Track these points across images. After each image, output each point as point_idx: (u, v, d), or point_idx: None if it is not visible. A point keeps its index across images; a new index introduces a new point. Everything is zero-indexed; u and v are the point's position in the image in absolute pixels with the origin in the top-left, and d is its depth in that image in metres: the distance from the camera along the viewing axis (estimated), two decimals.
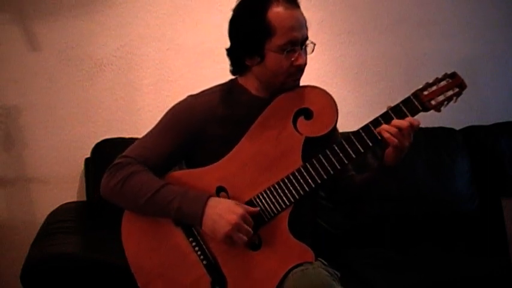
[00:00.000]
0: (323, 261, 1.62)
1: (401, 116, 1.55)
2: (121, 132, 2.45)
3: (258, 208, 1.55)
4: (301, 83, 1.65)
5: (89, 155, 2.36)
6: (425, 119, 2.93)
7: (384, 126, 1.53)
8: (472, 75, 2.88)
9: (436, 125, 2.66)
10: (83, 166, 2.42)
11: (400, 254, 2.32)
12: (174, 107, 1.68)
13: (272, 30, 1.54)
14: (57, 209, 2.30)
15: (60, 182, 2.44)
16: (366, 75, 2.76)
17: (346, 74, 2.75)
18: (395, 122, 1.53)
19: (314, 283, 1.46)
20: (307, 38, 1.60)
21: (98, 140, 2.35)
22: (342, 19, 2.73)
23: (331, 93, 1.62)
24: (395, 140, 1.51)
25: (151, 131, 1.68)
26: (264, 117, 1.61)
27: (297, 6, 1.59)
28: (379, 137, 1.54)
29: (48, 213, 2.26)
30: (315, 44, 1.61)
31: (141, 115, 2.50)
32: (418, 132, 2.59)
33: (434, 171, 2.52)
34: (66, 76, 2.44)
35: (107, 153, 2.16)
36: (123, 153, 1.64)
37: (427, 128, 2.63)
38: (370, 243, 2.39)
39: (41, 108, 2.43)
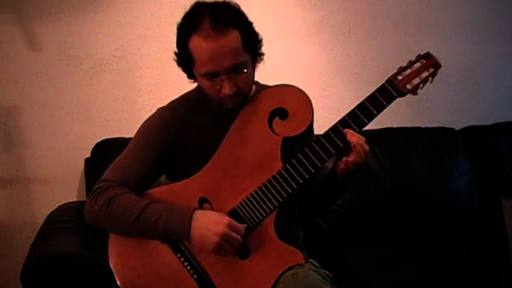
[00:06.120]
0: (314, 262, 1.60)
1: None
2: (121, 132, 2.45)
3: (245, 225, 1.52)
4: (287, 81, 1.63)
5: (88, 155, 2.36)
6: (426, 119, 2.92)
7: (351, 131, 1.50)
8: (472, 75, 2.90)
9: (436, 125, 2.66)
10: (83, 166, 2.43)
11: (397, 252, 2.32)
12: (145, 122, 1.67)
13: (192, 58, 1.52)
14: (57, 209, 2.29)
15: (60, 182, 2.44)
16: (366, 75, 2.76)
17: (346, 74, 2.74)
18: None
19: (305, 287, 1.45)
20: (237, 65, 1.50)
21: (98, 140, 2.35)
22: (342, 19, 2.73)
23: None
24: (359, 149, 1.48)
25: (127, 150, 1.65)
26: (240, 122, 1.59)
27: (222, 35, 1.47)
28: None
29: (48, 213, 2.26)
30: (247, 69, 1.53)
31: (141, 115, 2.47)
32: (418, 132, 2.61)
33: (434, 171, 2.52)
34: (66, 76, 2.44)
35: (106, 153, 2.16)
36: (102, 177, 1.62)
37: (427, 128, 2.64)
38: (368, 242, 2.39)
39: (41, 108, 2.42)
